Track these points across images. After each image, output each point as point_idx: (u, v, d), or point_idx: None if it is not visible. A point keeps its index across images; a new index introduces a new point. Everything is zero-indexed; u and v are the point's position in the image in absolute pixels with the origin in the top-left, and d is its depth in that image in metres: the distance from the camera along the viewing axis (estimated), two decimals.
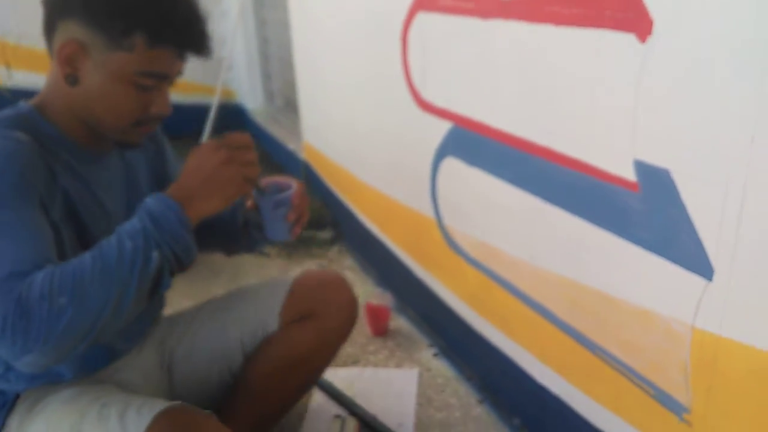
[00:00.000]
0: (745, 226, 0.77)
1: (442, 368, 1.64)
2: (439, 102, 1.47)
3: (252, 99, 3.78)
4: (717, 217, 0.81)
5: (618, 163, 0.96)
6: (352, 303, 1.26)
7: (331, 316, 1.22)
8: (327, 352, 1.27)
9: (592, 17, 0.95)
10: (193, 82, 3.86)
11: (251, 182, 0.92)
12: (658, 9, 0.84)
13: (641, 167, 0.92)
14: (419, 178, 1.62)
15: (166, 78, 0.93)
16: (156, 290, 0.85)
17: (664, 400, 0.96)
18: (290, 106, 3.42)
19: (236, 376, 1.21)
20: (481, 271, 1.43)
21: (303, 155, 2.83)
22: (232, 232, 1.19)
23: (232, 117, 3.84)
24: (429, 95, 1.51)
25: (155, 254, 0.82)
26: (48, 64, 0.94)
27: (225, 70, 3.01)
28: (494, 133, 1.26)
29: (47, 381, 0.99)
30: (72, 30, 0.89)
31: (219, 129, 3.61)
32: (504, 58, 1.19)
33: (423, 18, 1.46)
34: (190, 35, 0.92)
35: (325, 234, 2.47)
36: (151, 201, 0.85)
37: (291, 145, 3.04)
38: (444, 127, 1.46)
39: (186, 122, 3.47)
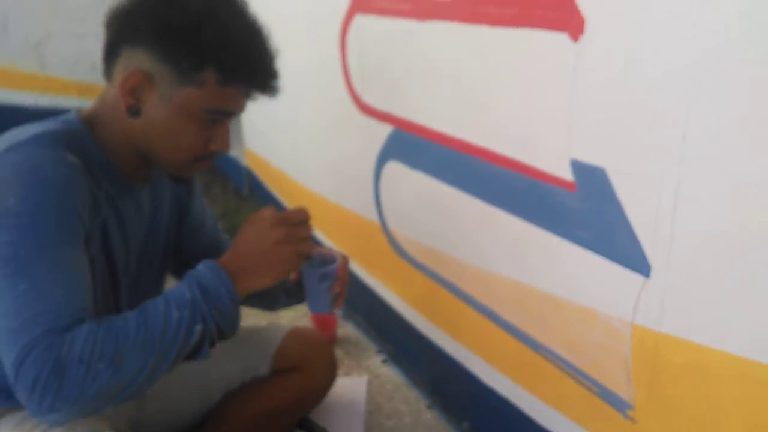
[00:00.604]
0: (679, 223, 0.78)
1: (391, 374, 1.62)
2: (380, 105, 1.45)
3: None
4: (652, 215, 0.81)
5: (555, 163, 0.96)
6: (334, 365, 1.34)
7: (317, 374, 1.29)
8: (308, 404, 1.34)
9: (524, 17, 0.95)
10: None
11: (304, 258, 0.92)
12: (589, 7, 0.85)
13: (578, 166, 0.92)
14: (363, 183, 1.60)
15: (232, 115, 0.91)
16: (193, 358, 0.83)
17: (608, 397, 0.96)
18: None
19: (211, 411, 1.21)
20: (427, 275, 1.42)
21: (245, 162, 2.77)
22: (271, 297, 1.20)
23: None
24: (369, 98, 1.49)
25: (199, 327, 0.80)
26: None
27: None
28: (435, 136, 1.26)
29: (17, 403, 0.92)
30: (139, 59, 0.85)
31: None
32: (441, 60, 1.18)
33: (360, 20, 1.44)
34: (263, 75, 0.89)
35: None
36: (203, 270, 0.83)
37: (233, 152, 2.97)
38: (385, 130, 1.44)
39: None
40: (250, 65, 0.87)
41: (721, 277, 0.75)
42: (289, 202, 2.30)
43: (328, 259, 1.07)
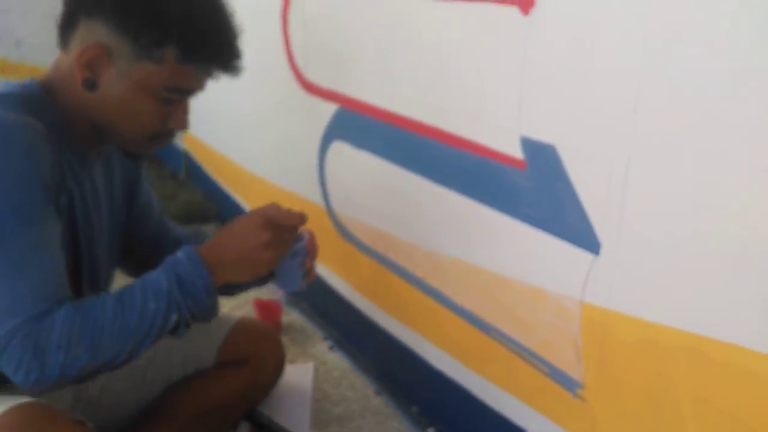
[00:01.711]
0: (629, 199, 0.77)
1: (338, 361, 1.58)
2: (324, 83, 1.40)
3: None
4: (602, 191, 0.81)
5: (505, 141, 0.94)
6: (282, 361, 1.31)
7: (265, 369, 1.27)
8: (255, 398, 1.30)
9: None
10: None
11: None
12: None
13: (527, 144, 0.90)
14: (307, 165, 1.55)
15: (191, 93, 0.89)
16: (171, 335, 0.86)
17: (557, 377, 0.96)
18: None
19: (155, 403, 1.16)
20: (374, 258, 1.39)
21: (183, 145, 2.67)
22: (237, 286, 1.15)
23: None
24: (313, 76, 1.44)
25: (174, 316, 0.83)
26: None
27: None
28: (382, 114, 1.22)
29: None
30: (97, 32, 0.82)
31: None
32: (390, 35, 1.15)
33: None
34: (225, 54, 0.86)
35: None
36: (182, 259, 0.84)
37: None
38: (330, 109, 1.39)
39: None
40: (212, 44, 0.84)
41: (671, 253, 0.75)
42: (228, 186, 2.22)
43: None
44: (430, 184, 1.13)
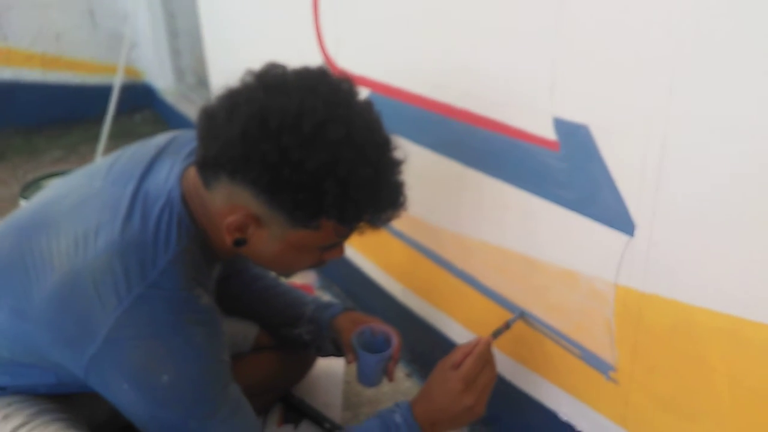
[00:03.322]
0: (664, 179, 0.76)
1: None
2: (355, 69, 1.40)
3: (161, 78, 3.57)
4: (637, 172, 0.79)
5: (537, 122, 0.93)
6: None
7: (297, 354, 1.29)
8: (286, 383, 1.33)
9: None
10: (97, 62, 3.62)
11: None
12: None
13: (560, 125, 0.89)
14: None
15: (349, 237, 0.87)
16: None
17: (590, 360, 0.95)
18: (202, 84, 3.25)
19: None
20: (405, 242, 1.39)
21: None
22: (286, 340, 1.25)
23: (141, 97, 3.62)
24: (344, 62, 1.44)
25: None
26: None
27: (128, 47, 2.82)
28: (412, 98, 1.22)
29: None
30: (244, 199, 0.77)
31: (127, 110, 3.43)
32: (418, 18, 1.14)
33: None
34: (386, 215, 0.83)
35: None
36: (402, 425, 0.91)
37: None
38: (361, 94, 1.39)
39: (89, 104, 3.28)
40: (372, 210, 0.80)
41: (707, 234, 0.73)
42: None
43: (376, 331, 1.12)
44: (462, 167, 1.13)
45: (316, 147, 0.72)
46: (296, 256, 0.85)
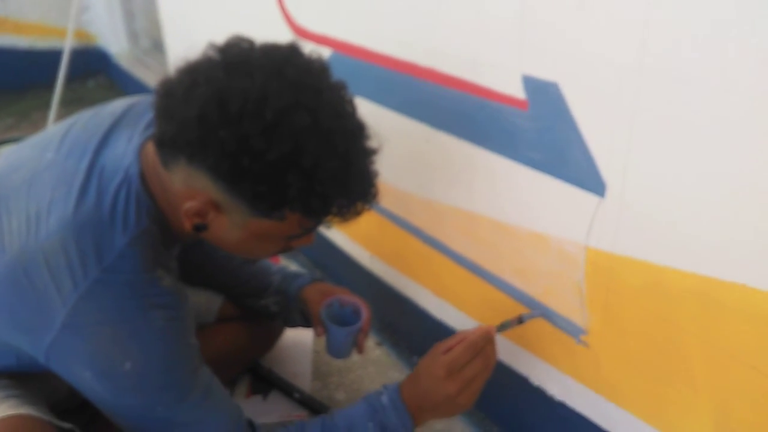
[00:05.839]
0: (636, 139, 0.74)
1: None
2: (316, 27, 1.34)
3: (114, 41, 3.42)
4: (608, 131, 0.77)
5: (506, 81, 0.90)
6: None
7: (264, 323, 1.27)
8: (254, 353, 1.31)
9: None
10: (46, 25, 3.45)
11: None
12: None
13: (529, 83, 0.86)
14: None
15: (317, 228, 0.83)
16: None
17: (561, 323, 0.94)
18: (157, 48, 3.12)
19: None
20: (373, 209, 1.35)
21: None
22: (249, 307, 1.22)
23: (94, 62, 3.48)
24: (304, 20, 1.38)
25: None
26: None
27: (77, 9, 2.67)
28: (376, 58, 1.17)
29: None
30: (203, 183, 0.72)
31: (80, 76, 3.28)
32: None
33: None
34: (352, 209, 0.78)
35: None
36: (389, 409, 0.88)
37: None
38: (323, 54, 1.33)
39: (40, 70, 3.12)
40: (340, 203, 0.75)
41: (677, 194, 0.71)
42: None
43: (345, 303, 1.10)
44: (428, 129, 1.09)
45: (278, 136, 0.66)
46: (259, 245, 0.81)
